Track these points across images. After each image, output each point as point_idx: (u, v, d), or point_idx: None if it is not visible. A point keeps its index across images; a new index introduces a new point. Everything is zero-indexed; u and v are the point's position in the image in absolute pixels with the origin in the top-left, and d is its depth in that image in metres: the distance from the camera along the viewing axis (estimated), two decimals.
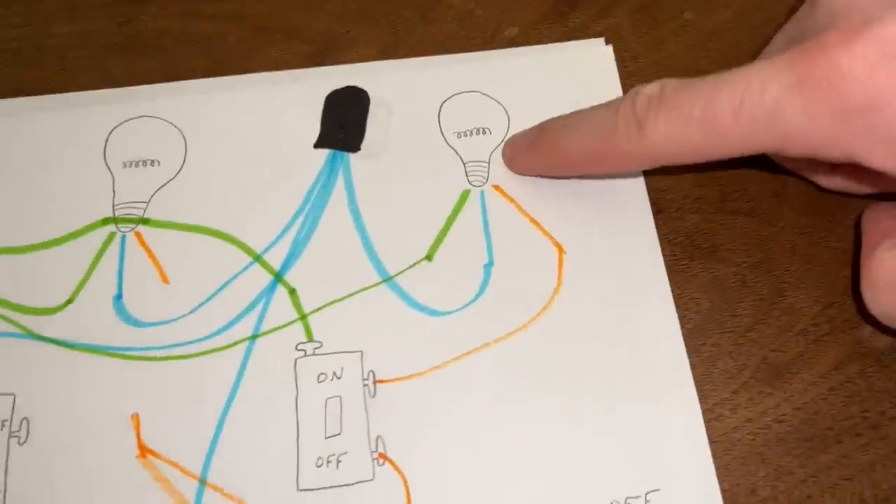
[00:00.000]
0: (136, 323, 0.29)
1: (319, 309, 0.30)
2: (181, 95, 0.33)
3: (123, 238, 0.31)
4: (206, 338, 0.29)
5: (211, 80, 0.33)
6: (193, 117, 0.32)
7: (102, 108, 0.32)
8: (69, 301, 0.30)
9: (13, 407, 0.28)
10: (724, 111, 0.24)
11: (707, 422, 0.28)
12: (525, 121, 0.31)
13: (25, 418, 0.28)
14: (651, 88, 0.26)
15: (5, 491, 0.27)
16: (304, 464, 0.28)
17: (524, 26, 0.35)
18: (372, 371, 0.29)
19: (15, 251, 0.30)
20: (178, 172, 0.31)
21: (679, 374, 0.29)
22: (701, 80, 0.25)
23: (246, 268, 0.30)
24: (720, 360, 0.29)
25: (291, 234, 0.31)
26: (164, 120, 0.32)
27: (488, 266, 0.30)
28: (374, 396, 0.28)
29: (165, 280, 0.30)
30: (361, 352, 0.29)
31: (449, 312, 0.30)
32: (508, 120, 0.33)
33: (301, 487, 0.27)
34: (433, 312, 0.30)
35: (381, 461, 0.28)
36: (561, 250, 0.30)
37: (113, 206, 0.31)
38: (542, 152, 0.30)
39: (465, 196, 0.31)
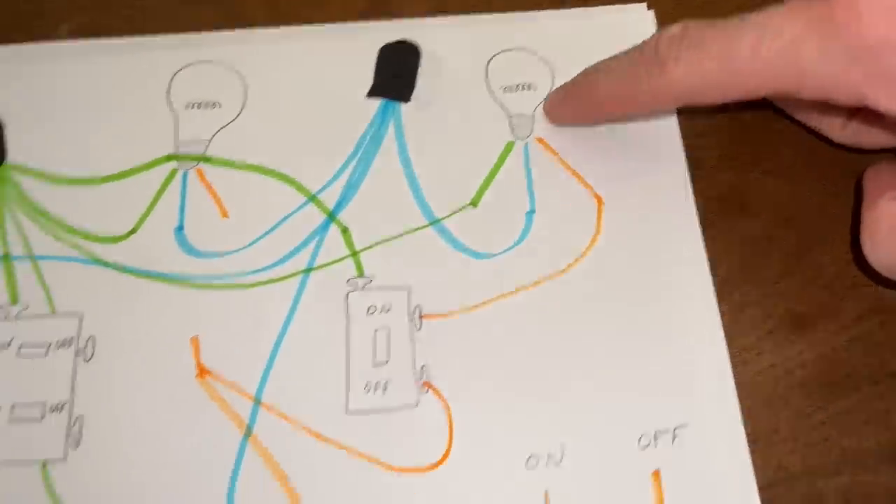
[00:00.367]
0: (196, 253, 0.31)
1: (370, 247, 0.31)
2: (243, 43, 0.35)
3: (185, 174, 0.32)
4: (262, 269, 0.31)
5: (272, 29, 0.35)
6: (254, 64, 0.34)
7: (168, 52, 0.34)
8: (133, 231, 0.31)
9: (80, 326, 0.30)
10: (742, 49, 0.25)
11: (733, 365, 0.30)
12: (568, 78, 0.33)
13: (91, 337, 0.30)
14: (674, 28, 0.27)
15: (72, 406, 0.29)
16: (354, 388, 0.29)
17: None
18: (418, 306, 0.30)
19: (83, 182, 0.32)
20: (238, 115, 0.33)
21: (708, 320, 0.30)
22: (723, 20, 0.26)
23: (301, 206, 0.32)
24: (748, 309, 0.31)
25: (345, 176, 0.32)
26: (226, 65, 0.34)
27: (530, 213, 0.32)
28: (419, 330, 0.30)
29: (225, 214, 0.32)
30: (409, 288, 0.31)
31: (491, 255, 0.31)
32: (553, 77, 0.34)
33: (350, 410, 0.29)
34: (476, 255, 0.31)
35: (425, 388, 0.29)
36: (600, 201, 0.32)
37: (176, 144, 0.33)
38: (575, 97, 0.32)
39: (509, 147, 0.33)
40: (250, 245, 0.31)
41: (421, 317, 0.30)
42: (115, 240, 0.31)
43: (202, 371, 0.29)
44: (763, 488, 0.28)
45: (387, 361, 0.30)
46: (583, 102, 0.32)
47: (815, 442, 0.29)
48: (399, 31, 0.35)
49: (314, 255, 0.31)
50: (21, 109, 0.33)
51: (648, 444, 0.29)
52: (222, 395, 0.29)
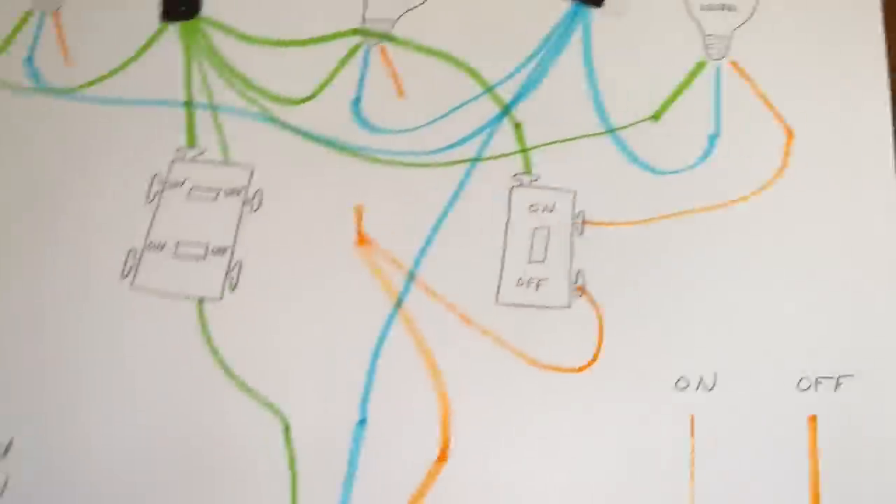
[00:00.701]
0: (370, 127, 0.31)
1: (541, 146, 0.31)
2: None
3: (368, 50, 0.32)
4: (431, 152, 0.31)
5: None
6: None
7: None
8: (311, 97, 0.32)
9: (250, 178, 0.31)
10: None
11: None
12: (772, 5, 0.31)
13: (259, 190, 0.30)
14: None
15: (233, 251, 0.30)
16: (506, 280, 0.29)
17: None
18: (582, 211, 0.30)
19: (271, 43, 0.33)
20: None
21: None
22: None
23: (477, 97, 0.31)
24: None
25: (525, 73, 0.32)
26: None
27: (713, 136, 0.30)
28: (581, 234, 0.29)
29: (401, 94, 0.32)
30: (575, 192, 0.30)
31: (667, 172, 0.30)
32: (757, 1, 0.32)
33: (500, 301, 0.29)
34: (651, 169, 0.30)
35: (578, 293, 0.29)
36: (790, 134, 0.30)
37: (363, 19, 0.33)
38: None
39: (700, 66, 0.31)
40: (423, 127, 0.31)
41: (584, 222, 0.30)
42: (296, 102, 0.32)
43: (362, 239, 0.30)
44: None
45: (543, 260, 0.29)
46: None
47: None
48: None
49: (484, 146, 0.31)
50: None
51: (808, 388, 0.27)
52: (378, 265, 0.29)
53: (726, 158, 0.30)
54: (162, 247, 0.30)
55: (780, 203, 0.29)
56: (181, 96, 0.32)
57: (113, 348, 0.28)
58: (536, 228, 0.30)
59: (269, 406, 0.27)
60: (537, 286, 0.29)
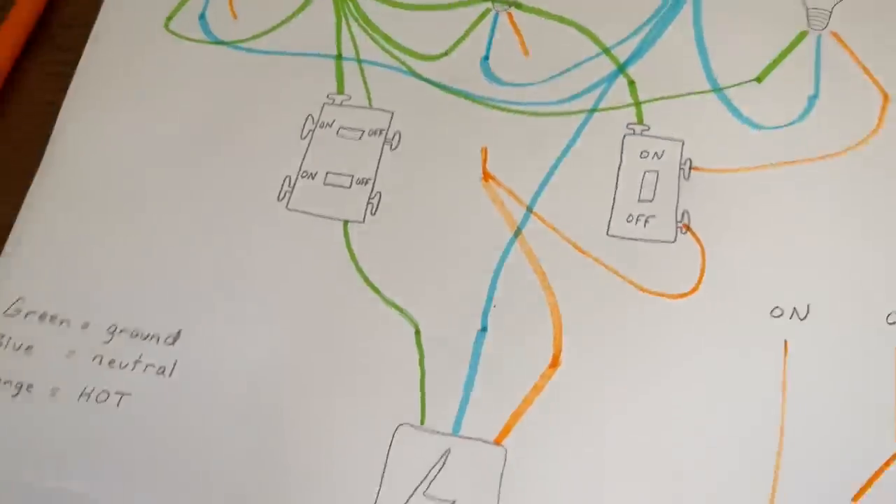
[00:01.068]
0: (497, 81, 0.35)
1: (652, 100, 0.34)
2: None
3: (497, 15, 0.36)
4: (552, 103, 0.34)
5: None
6: None
7: None
8: (446, 53, 0.36)
9: (391, 121, 0.35)
10: None
11: None
12: None
13: (398, 132, 0.35)
14: None
15: (374, 182, 0.34)
16: (617, 215, 0.32)
17: None
18: (689, 158, 0.33)
19: (411, 7, 0.37)
20: None
21: None
22: None
23: (594, 56, 0.35)
24: None
25: (640, 36, 0.35)
26: None
27: (813, 98, 0.33)
28: (687, 179, 0.32)
29: (526, 53, 0.36)
30: (683, 141, 0.33)
31: (769, 128, 0.33)
32: None
33: (610, 233, 0.32)
34: (754, 125, 0.33)
35: (683, 230, 0.32)
36: (886, 98, 0.33)
37: None
38: None
39: (802, 35, 0.34)
40: (545, 81, 0.35)
41: (691, 168, 0.33)
42: (431, 58, 0.36)
43: (486, 176, 0.33)
44: None
45: (651, 200, 0.32)
46: None
47: None
48: None
49: (599, 99, 0.34)
50: None
51: (895, 323, 0.29)
52: (501, 198, 0.33)
53: (825, 117, 0.33)
54: (313, 176, 0.34)
55: (875, 158, 0.32)
56: (332, 51, 0.36)
57: (268, 256, 0.33)
58: (646, 172, 0.33)
59: (402, 311, 0.31)
60: (645, 222, 0.32)
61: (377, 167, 0.34)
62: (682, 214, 0.32)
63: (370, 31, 0.37)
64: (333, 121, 0.35)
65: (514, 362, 0.30)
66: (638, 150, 0.33)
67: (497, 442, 0.29)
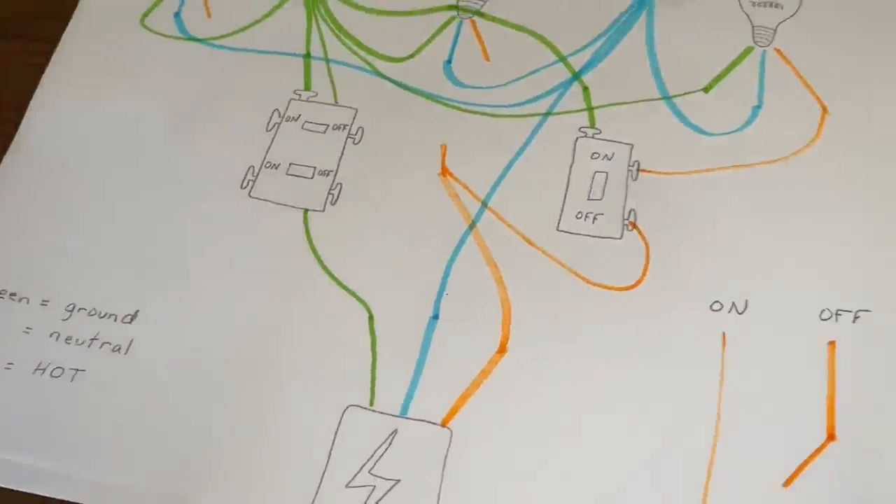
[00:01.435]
0: (459, 83, 0.37)
1: (605, 106, 0.36)
2: None
3: (461, 23, 0.38)
4: (509, 105, 0.36)
5: None
6: None
7: None
8: (411, 56, 0.37)
9: (354, 117, 0.36)
10: None
11: None
12: (817, 7, 0.36)
13: (361, 128, 0.36)
14: None
15: (336, 174, 0.35)
16: (567, 212, 0.33)
17: None
18: (638, 161, 0.34)
19: (378, 12, 0.39)
20: None
21: None
22: None
23: (551, 63, 0.37)
24: None
25: (596, 45, 0.37)
26: None
27: (756, 108, 0.35)
28: (635, 180, 0.34)
29: (487, 58, 0.37)
30: (632, 145, 0.35)
31: (714, 134, 0.35)
32: (801, 2, 0.37)
33: (560, 229, 0.33)
34: (700, 131, 0.35)
35: (629, 227, 0.33)
36: (825, 110, 0.35)
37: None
38: None
39: (747, 51, 0.36)
40: (504, 85, 0.36)
41: (639, 170, 0.34)
42: (397, 60, 0.37)
43: (444, 171, 0.35)
44: None
45: (600, 199, 0.34)
46: None
47: None
48: None
49: (554, 104, 0.36)
50: None
51: (829, 319, 0.31)
52: (457, 193, 0.34)
53: (766, 126, 0.35)
54: (276, 166, 0.35)
55: (814, 165, 0.34)
56: (301, 49, 0.38)
57: (229, 241, 0.33)
58: (596, 172, 0.34)
59: (357, 297, 0.32)
60: (594, 219, 0.33)
61: (339, 160, 0.35)
62: (629, 213, 0.33)
63: (339, 34, 0.38)
64: (299, 115, 0.36)
65: (464, 348, 0.31)
66: (589, 151, 0.35)
67: (443, 424, 0.30)
